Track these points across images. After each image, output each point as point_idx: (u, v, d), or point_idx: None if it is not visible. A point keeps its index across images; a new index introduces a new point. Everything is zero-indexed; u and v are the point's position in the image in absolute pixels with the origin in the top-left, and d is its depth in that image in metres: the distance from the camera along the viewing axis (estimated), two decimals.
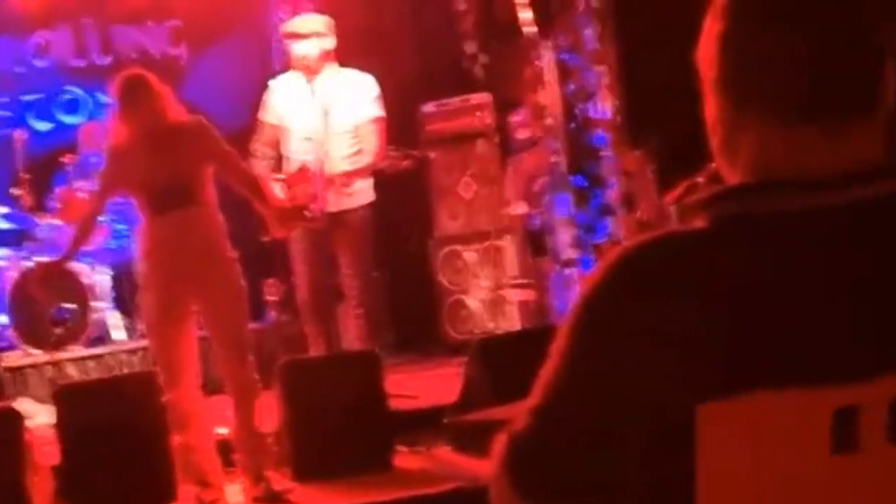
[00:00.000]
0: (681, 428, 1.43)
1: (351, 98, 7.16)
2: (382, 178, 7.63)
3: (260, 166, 7.01)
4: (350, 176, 7.12)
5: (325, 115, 7.04)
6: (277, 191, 7.00)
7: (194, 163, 5.78)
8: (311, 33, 7.15)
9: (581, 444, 1.52)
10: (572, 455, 1.53)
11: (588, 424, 1.51)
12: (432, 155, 9.39)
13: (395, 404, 6.50)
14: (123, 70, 6.20)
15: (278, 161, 7.28)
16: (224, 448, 5.94)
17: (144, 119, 5.76)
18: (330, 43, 7.20)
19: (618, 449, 1.51)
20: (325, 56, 7.17)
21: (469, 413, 6.05)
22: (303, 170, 7.08)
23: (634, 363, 1.48)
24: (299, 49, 7.15)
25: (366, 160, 7.18)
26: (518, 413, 1.57)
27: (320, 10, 7.82)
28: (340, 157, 7.12)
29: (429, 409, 6.75)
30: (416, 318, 9.59)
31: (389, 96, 7.56)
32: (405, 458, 6.27)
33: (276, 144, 7.28)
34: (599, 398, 1.50)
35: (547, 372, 1.55)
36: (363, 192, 7.31)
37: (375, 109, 7.24)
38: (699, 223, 1.52)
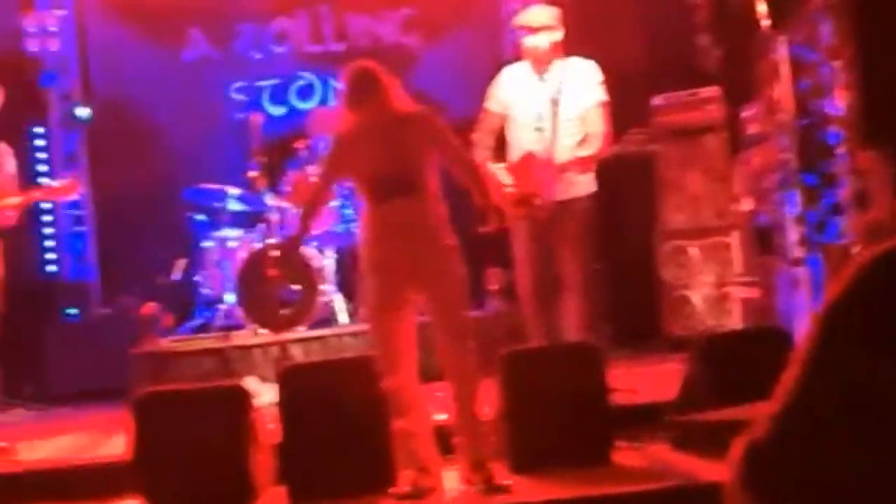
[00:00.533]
0: None
1: (577, 85, 7.15)
2: (608, 170, 7.56)
3: (481, 155, 7.05)
4: (585, 161, 7.09)
5: (553, 105, 7.04)
6: (503, 178, 7.04)
7: (418, 153, 5.85)
8: (542, 27, 7.17)
9: (820, 453, 1.49)
10: (811, 463, 1.49)
11: (828, 433, 1.48)
12: (661, 147, 9.32)
13: (614, 398, 6.45)
14: (355, 59, 6.31)
15: (499, 150, 7.31)
16: (443, 434, 5.99)
17: (372, 110, 5.88)
18: (559, 35, 7.21)
19: (858, 459, 1.47)
20: (555, 48, 7.18)
21: (689, 411, 5.98)
22: (527, 158, 7.10)
23: (880, 374, 1.43)
24: (530, 42, 7.18)
25: (595, 145, 7.14)
26: (757, 418, 1.55)
27: (550, 1, 7.82)
28: (567, 147, 7.11)
29: (648, 405, 6.69)
30: (636, 312, 9.51)
31: (618, 87, 7.49)
32: (624, 454, 6.20)
33: (498, 133, 7.31)
34: (840, 407, 1.47)
35: (788, 378, 1.52)
36: (586, 182, 7.28)
37: (600, 94, 7.21)
38: None
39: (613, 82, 7.40)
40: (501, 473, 5.83)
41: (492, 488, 5.66)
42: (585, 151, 7.12)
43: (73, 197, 7.42)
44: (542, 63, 7.16)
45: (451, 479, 5.87)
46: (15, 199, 7.28)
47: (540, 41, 7.14)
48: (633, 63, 9.49)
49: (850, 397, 1.46)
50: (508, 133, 7.28)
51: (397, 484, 5.76)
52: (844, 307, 1.50)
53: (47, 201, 7.33)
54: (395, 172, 5.77)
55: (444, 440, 5.95)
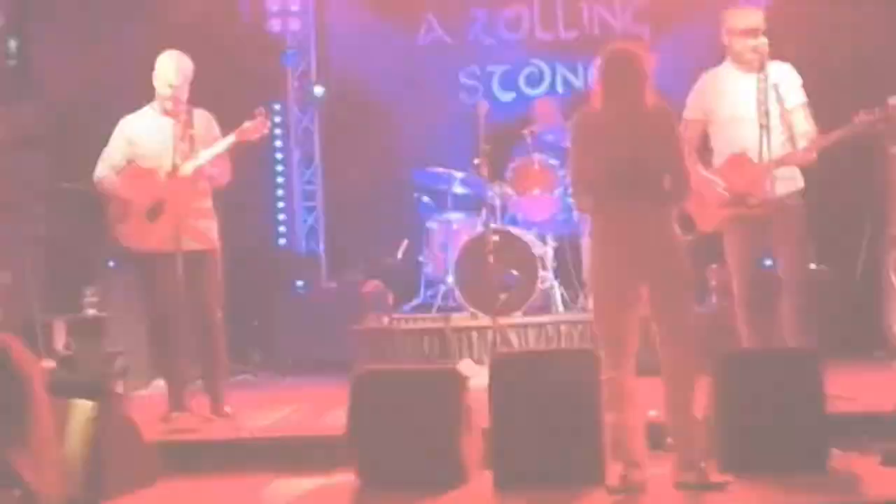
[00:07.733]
0: None
1: (783, 86, 7.02)
2: (840, 171, 7.36)
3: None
4: (803, 155, 6.96)
5: (765, 104, 6.90)
6: (718, 182, 6.99)
7: (655, 151, 5.73)
8: (760, 28, 7.07)
9: None
10: None
11: None
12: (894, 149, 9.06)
13: (832, 406, 6.30)
14: (615, 43, 6.15)
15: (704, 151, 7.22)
16: (655, 431, 5.95)
17: (624, 99, 5.77)
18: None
19: None
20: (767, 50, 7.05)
21: None
22: (739, 157, 6.99)
23: None
24: (754, 43, 7.02)
25: (803, 144, 7.01)
26: None
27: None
28: (778, 144, 6.99)
29: (867, 414, 6.54)
30: (864, 316, 9.27)
31: (851, 85, 7.29)
32: (841, 462, 6.04)
33: (698, 141, 7.20)
34: None
35: None
36: (795, 179, 7.14)
37: (802, 95, 7.12)
38: None
39: (850, 76, 7.21)
40: (719, 475, 5.73)
41: (707, 486, 5.58)
42: (801, 145, 7.01)
43: (264, 132, 7.51)
44: (756, 64, 7.03)
45: (660, 475, 5.81)
46: (214, 150, 7.43)
47: (763, 42, 7.01)
48: (869, 59, 9.25)
49: None
50: (716, 135, 7.17)
51: (607, 478, 5.73)
52: None
53: (242, 142, 7.43)
54: (631, 169, 5.67)
55: (654, 436, 5.92)
